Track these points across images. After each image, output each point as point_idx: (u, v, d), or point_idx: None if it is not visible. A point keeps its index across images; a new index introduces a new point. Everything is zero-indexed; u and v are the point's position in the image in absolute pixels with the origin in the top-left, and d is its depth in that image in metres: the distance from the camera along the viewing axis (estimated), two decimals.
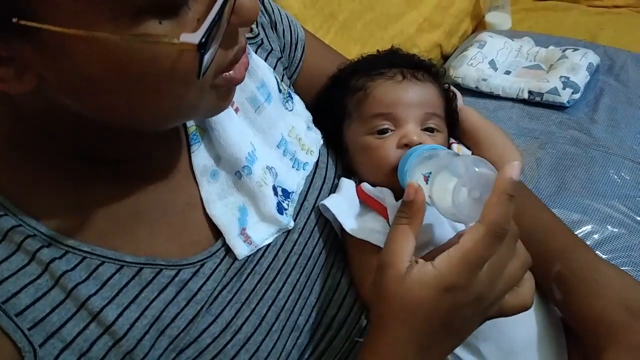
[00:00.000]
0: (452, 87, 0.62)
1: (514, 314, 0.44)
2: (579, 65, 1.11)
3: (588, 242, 0.83)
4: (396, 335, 0.41)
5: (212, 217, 0.48)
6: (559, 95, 1.08)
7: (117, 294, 0.41)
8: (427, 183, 0.45)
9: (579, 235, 0.83)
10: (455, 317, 0.40)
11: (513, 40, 1.28)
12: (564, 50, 1.18)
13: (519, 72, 1.19)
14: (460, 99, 0.61)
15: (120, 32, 0.31)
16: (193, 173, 0.49)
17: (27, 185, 0.41)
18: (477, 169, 0.42)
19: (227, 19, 0.34)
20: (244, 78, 0.40)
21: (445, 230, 0.51)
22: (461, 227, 0.50)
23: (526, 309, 0.44)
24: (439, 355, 0.43)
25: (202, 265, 0.45)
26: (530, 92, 1.12)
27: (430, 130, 0.56)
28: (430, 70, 0.59)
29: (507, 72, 1.20)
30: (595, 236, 0.88)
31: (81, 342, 0.39)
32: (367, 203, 0.53)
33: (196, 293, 0.44)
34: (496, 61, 1.22)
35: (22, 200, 0.40)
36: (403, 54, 0.61)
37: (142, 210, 0.45)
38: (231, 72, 0.39)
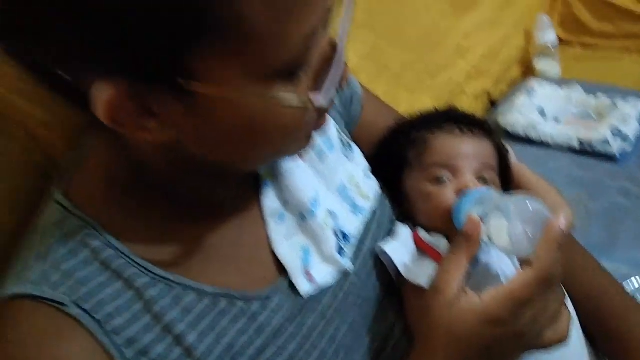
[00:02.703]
0: (505, 145, 0.65)
1: (551, 347, 0.48)
2: (629, 115, 1.12)
3: (638, 298, 0.83)
4: (437, 356, 0.46)
5: (278, 255, 0.51)
6: (610, 146, 1.09)
7: (197, 321, 0.45)
8: (483, 223, 0.48)
9: (629, 290, 0.83)
10: (495, 348, 0.44)
11: (562, 88, 1.29)
12: (614, 100, 1.19)
13: (569, 121, 1.20)
14: (513, 155, 0.64)
15: (259, 93, 0.36)
16: (262, 214, 0.53)
17: (126, 220, 0.46)
18: (529, 206, 0.46)
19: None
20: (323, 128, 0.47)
21: (506, 267, 0.54)
22: None
23: (563, 342, 0.48)
24: None
25: (270, 299, 0.49)
26: (580, 142, 1.13)
27: (485, 181, 0.59)
28: (485, 126, 0.63)
29: (557, 121, 1.21)
30: None
31: None
32: (423, 249, 0.56)
33: (265, 325, 0.48)
34: (545, 109, 1.24)
35: (121, 234, 0.45)
36: (459, 112, 0.66)
37: (218, 246, 0.49)
38: (320, 121, 0.45)
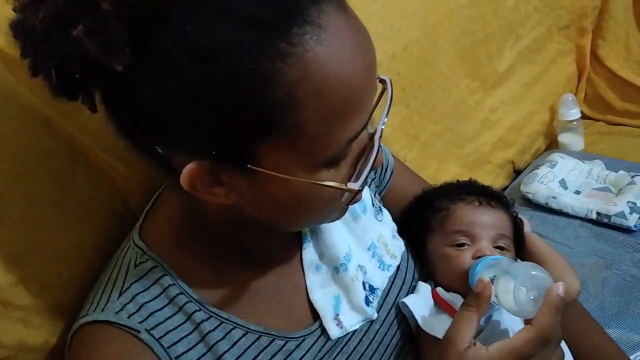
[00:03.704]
0: (519, 216, 0.73)
1: None
2: None
3: None
4: None
5: (313, 302, 0.60)
6: (626, 219, 1.14)
7: (242, 354, 0.53)
8: (492, 284, 0.55)
9: (638, 358, 0.87)
10: None
11: (584, 162, 1.35)
12: (633, 176, 1.24)
13: (589, 193, 1.26)
14: (527, 225, 0.72)
15: (306, 177, 0.44)
16: (302, 265, 0.62)
17: (188, 263, 0.55)
18: (533, 272, 0.53)
19: None
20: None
21: (515, 325, 0.60)
22: None
23: None
24: None
25: (303, 340, 0.57)
26: (598, 213, 1.18)
27: (500, 248, 0.67)
28: (502, 199, 0.71)
29: (577, 192, 1.27)
30: None
31: None
32: (440, 305, 0.64)
33: None
34: (567, 181, 1.30)
35: (184, 274, 0.54)
36: (479, 185, 0.74)
37: (262, 290, 0.58)
38: (357, 196, 0.52)
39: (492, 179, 1.29)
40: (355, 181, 0.47)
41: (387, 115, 0.49)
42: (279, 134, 0.41)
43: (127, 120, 0.45)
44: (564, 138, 1.50)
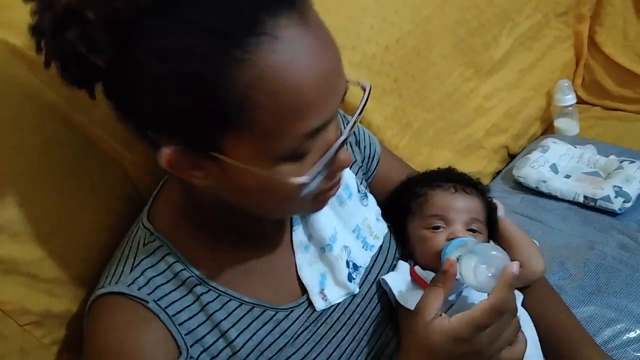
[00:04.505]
0: (494, 200, 0.79)
1: None
2: (633, 177, 1.22)
3: (619, 340, 0.93)
4: None
5: (301, 278, 0.67)
6: (611, 203, 1.19)
7: (237, 322, 0.61)
8: (458, 263, 0.62)
9: (612, 333, 0.94)
10: None
11: (576, 147, 1.40)
12: (621, 161, 1.29)
13: (579, 177, 1.31)
14: (501, 210, 0.78)
15: (266, 169, 0.49)
16: (292, 245, 0.69)
17: (189, 242, 0.62)
18: (492, 252, 0.59)
19: (330, 165, 0.53)
20: (335, 194, 0.60)
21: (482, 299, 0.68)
22: None
23: None
24: None
25: (292, 311, 0.65)
26: (585, 197, 1.23)
27: (473, 231, 0.73)
28: (478, 186, 0.77)
29: (567, 176, 1.32)
30: (632, 334, 0.97)
31: (213, 350, 0.59)
32: (417, 282, 0.71)
33: (286, 330, 0.63)
34: (558, 165, 1.35)
35: (185, 252, 0.61)
36: (457, 173, 0.81)
37: (256, 267, 0.66)
38: (330, 191, 0.58)
39: (486, 163, 1.34)
40: (301, 175, 0.50)
41: (359, 115, 0.55)
42: (237, 129, 0.47)
43: (119, 108, 0.52)
44: (559, 123, 1.54)
